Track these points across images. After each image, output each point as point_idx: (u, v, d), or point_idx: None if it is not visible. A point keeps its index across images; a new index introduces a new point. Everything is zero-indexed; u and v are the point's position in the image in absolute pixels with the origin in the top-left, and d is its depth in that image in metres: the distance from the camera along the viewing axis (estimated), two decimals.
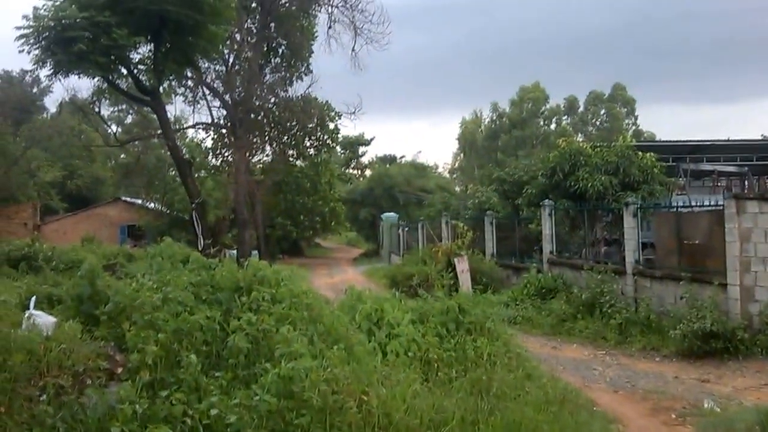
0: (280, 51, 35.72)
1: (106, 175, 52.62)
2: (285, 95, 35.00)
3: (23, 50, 19.13)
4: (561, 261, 19.19)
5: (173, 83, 32.02)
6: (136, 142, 40.05)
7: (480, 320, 9.32)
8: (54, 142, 42.89)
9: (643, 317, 14.00)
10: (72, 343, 6.23)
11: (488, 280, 20.12)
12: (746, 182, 27.79)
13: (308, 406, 5.60)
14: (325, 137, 38.07)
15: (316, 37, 34.94)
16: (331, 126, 37.66)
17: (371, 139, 71.98)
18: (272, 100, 34.57)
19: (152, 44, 22.22)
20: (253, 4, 32.55)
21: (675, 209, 15.97)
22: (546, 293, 17.80)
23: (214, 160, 39.09)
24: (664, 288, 14.41)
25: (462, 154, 78.81)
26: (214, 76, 33.44)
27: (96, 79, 24.93)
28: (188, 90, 34.60)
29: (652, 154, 19.60)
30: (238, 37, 31.26)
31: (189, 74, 30.89)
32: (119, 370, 6.30)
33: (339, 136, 41.67)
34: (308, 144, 38.06)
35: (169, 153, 27.45)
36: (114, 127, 43.78)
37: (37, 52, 19.21)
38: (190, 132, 40.46)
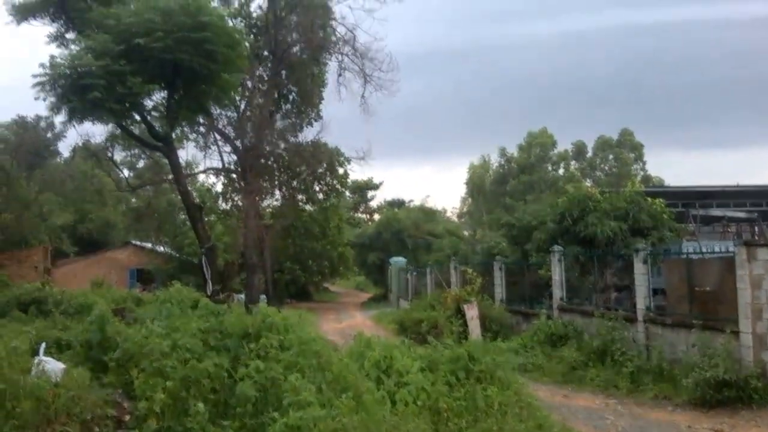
0: (291, 98, 36.25)
1: (117, 219, 52.91)
2: (295, 141, 35.40)
3: (39, 97, 19.41)
4: (571, 307, 19.06)
5: (185, 129, 32.45)
6: (148, 187, 40.44)
7: (490, 368, 9.24)
8: (67, 186, 43.29)
9: (654, 365, 13.86)
10: (80, 390, 6.23)
11: (498, 327, 20.06)
12: (756, 228, 27.67)
13: None
14: (335, 182, 38.33)
15: (327, 84, 35.53)
16: (341, 171, 37.97)
17: (380, 184, 72.52)
18: (282, 145, 34.94)
19: (166, 91, 22.53)
20: (265, 53, 33.15)
21: (685, 256, 15.90)
22: (556, 340, 17.64)
23: (224, 204, 39.35)
24: (676, 335, 14.27)
25: (470, 199, 78.98)
26: (225, 122, 33.91)
27: (110, 126, 25.26)
28: (200, 135, 35.07)
29: (661, 199, 19.61)
30: (249, 84, 31.75)
31: (201, 120, 31.31)
32: (127, 417, 6.29)
33: (348, 181, 41.95)
34: (317, 189, 38.31)
35: (179, 197, 27.67)
36: (126, 172, 44.25)
37: (52, 99, 19.44)
38: (201, 177, 40.85)
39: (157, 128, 23.65)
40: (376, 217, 69.00)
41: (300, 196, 38.88)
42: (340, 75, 32.71)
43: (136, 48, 19.01)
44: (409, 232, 50.70)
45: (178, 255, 41.16)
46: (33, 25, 23.52)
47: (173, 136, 25.13)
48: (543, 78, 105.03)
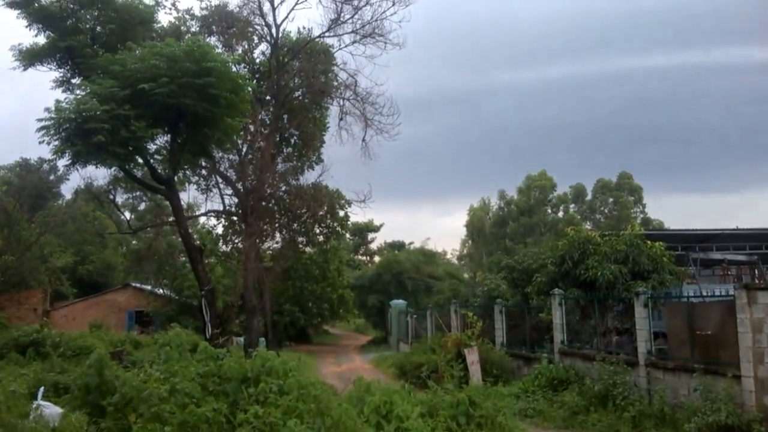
0: (293, 141, 36.61)
1: (118, 261, 52.93)
2: (296, 183, 35.62)
3: (44, 141, 19.60)
4: (572, 351, 18.96)
5: (188, 172, 32.68)
6: (148, 229, 40.54)
7: (491, 414, 9.19)
8: (68, 228, 43.40)
9: (656, 410, 13.74)
10: None
11: (499, 371, 19.92)
12: (756, 271, 27.66)
13: None
14: (335, 225, 38.42)
15: (328, 127, 35.87)
16: (341, 213, 38.09)
17: (380, 226, 72.77)
18: (283, 188, 35.15)
19: (169, 135, 22.82)
20: (268, 97, 33.59)
21: (686, 299, 15.89)
22: (558, 384, 17.51)
23: (224, 246, 39.37)
24: (678, 380, 14.18)
25: (470, 241, 79.07)
26: (227, 164, 34.16)
27: (113, 169, 25.48)
28: (202, 178, 35.29)
29: (661, 243, 19.65)
30: (252, 127, 32.06)
31: (203, 163, 31.58)
32: None
33: (348, 223, 42.06)
34: (318, 231, 38.38)
35: (180, 240, 27.73)
36: (127, 214, 44.41)
37: (56, 142, 19.65)
38: (202, 219, 40.99)
39: (159, 171, 23.87)
40: (377, 259, 69.01)
41: (300, 239, 38.93)
42: (341, 119, 33.08)
43: (140, 93, 19.34)
44: (409, 275, 50.63)
45: (177, 297, 41.03)
46: (39, 70, 23.93)
47: (175, 179, 25.32)
48: (542, 121, 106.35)
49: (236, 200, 33.72)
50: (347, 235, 57.67)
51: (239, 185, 32.92)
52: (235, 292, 35.84)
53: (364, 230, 72.02)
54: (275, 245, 39.37)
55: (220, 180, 34.31)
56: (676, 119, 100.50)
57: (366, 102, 31.85)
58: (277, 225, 37.02)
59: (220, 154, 32.99)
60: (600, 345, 18.49)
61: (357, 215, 39.87)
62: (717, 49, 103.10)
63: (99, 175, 30.58)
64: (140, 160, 23.24)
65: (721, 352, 13.60)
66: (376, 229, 73.17)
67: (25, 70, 23.63)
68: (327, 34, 31.93)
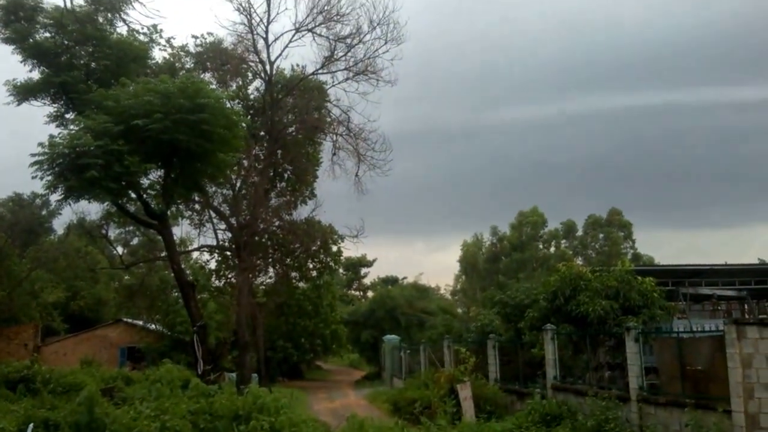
0: (286, 176, 36.87)
1: (109, 297, 52.61)
2: (289, 218, 35.73)
3: (36, 176, 19.66)
4: (565, 386, 18.91)
5: (181, 207, 32.80)
6: (141, 264, 40.45)
7: None
8: (59, 263, 43.26)
9: None
10: None
11: (492, 407, 19.82)
12: (746, 306, 27.81)
13: None
14: (328, 260, 38.45)
15: (321, 163, 36.17)
16: (334, 249, 38.15)
17: (373, 261, 72.74)
18: (277, 223, 35.26)
19: (162, 170, 22.93)
20: (262, 133, 33.90)
21: (676, 334, 15.95)
22: (551, 420, 17.40)
23: (217, 282, 39.29)
24: (669, 415, 14.17)
25: (464, 277, 79.12)
26: (220, 199, 34.33)
27: (105, 203, 25.54)
28: (195, 213, 35.39)
29: (651, 278, 19.75)
30: (245, 162, 32.32)
31: (196, 198, 31.71)
32: None
33: (341, 258, 42.07)
34: (311, 266, 38.37)
35: (173, 275, 27.72)
36: (120, 249, 44.35)
37: (49, 177, 19.71)
38: (195, 254, 40.94)
39: (152, 206, 23.96)
40: (370, 294, 68.85)
41: (293, 274, 38.92)
42: (334, 154, 33.43)
43: (134, 128, 19.51)
44: (402, 310, 50.46)
45: (169, 333, 40.75)
46: (33, 105, 24.12)
47: (168, 213, 25.40)
48: (533, 158, 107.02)
49: (229, 235, 33.81)
50: (340, 270, 57.62)
51: (233, 220, 33.05)
52: (227, 327, 35.72)
53: (357, 265, 71.98)
54: (268, 280, 39.38)
55: (213, 215, 34.45)
56: (664, 156, 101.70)
57: (359, 138, 32.26)
58: (270, 260, 37.06)
59: (214, 189, 33.20)
60: (592, 380, 18.48)
61: (350, 250, 39.85)
62: (704, 88, 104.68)
63: (92, 210, 30.70)
64: (133, 195, 23.36)
65: (711, 387, 13.61)
66: (370, 264, 73.17)
67: (19, 104, 23.85)
68: (320, 71, 32.49)
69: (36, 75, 23.66)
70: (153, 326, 43.29)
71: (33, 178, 19.69)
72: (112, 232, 40.61)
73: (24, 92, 23.53)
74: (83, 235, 39.24)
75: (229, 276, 37.00)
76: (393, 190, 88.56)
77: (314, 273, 39.12)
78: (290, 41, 31.37)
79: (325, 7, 30.60)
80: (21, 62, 23.32)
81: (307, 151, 35.75)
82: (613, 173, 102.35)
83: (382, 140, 31.80)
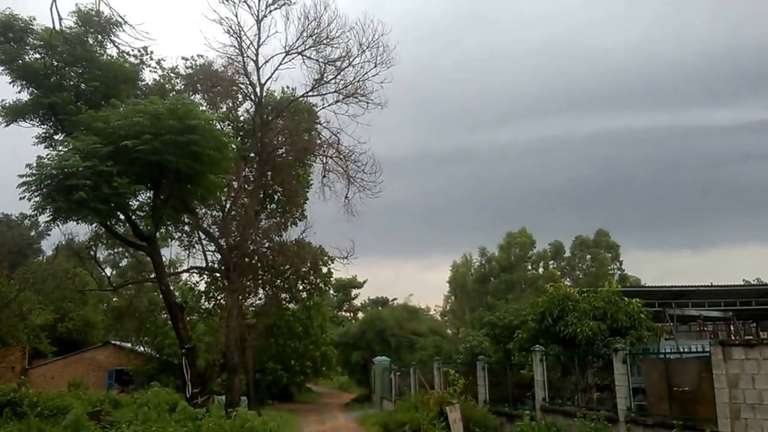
0: (276, 198, 36.89)
1: (98, 319, 52.29)
2: (279, 240, 35.71)
3: (25, 197, 19.59)
4: (554, 408, 18.93)
5: (170, 228, 32.74)
6: (129, 285, 40.24)
7: None
8: (48, 285, 43.03)
9: None
10: None
11: (481, 429, 19.83)
12: (732, 326, 28.01)
13: None
14: (318, 281, 38.38)
15: (311, 184, 36.23)
16: (324, 270, 38.11)
17: (363, 282, 72.67)
18: (267, 244, 35.22)
19: (151, 192, 22.92)
20: (252, 154, 33.96)
21: (663, 355, 16.04)
22: None
23: (206, 303, 39.11)
24: None
25: (453, 297, 79.14)
26: (210, 221, 34.28)
27: (94, 225, 25.46)
28: (184, 234, 35.32)
29: (638, 299, 19.89)
30: (235, 184, 32.33)
31: (186, 219, 31.67)
32: None
33: (332, 279, 42.00)
34: (301, 288, 38.28)
35: (161, 297, 27.60)
36: (108, 270, 44.12)
37: (38, 198, 19.65)
38: (184, 276, 40.79)
39: (141, 228, 23.92)
40: (360, 315, 68.68)
41: (283, 295, 38.81)
42: (324, 176, 33.42)
43: (123, 150, 19.51)
44: (392, 331, 50.33)
45: (158, 355, 40.51)
46: (22, 126, 24.11)
47: (157, 235, 25.36)
48: (522, 180, 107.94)
49: (219, 256, 33.73)
50: (331, 292, 57.49)
51: (222, 241, 32.98)
52: (216, 349, 35.49)
53: (347, 286, 71.89)
54: (258, 302, 39.24)
55: (202, 236, 34.38)
56: (650, 179, 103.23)
57: (348, 160, 32.33)
58: (260, 281, 36.96)
59: (204, 211, 33.17)
60: (581, 401, 18.51)
61: (340, 271, 39.77)
62: (686, 112, 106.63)
63: (80, 231, 30.53)
64: (122, 217, 23.30)
65: (698, 407, 13.68)
66: (360, 285, 73.09)
67: (7, 125, 23.83)
68: (310, 93, 32.60)
69: (25, 96, 23.69)
70: (141, 348, 43.04)
71: (21, 199, 19.61)
72: (101, 254, 40.48)
73: (13, 113, 23.51)
74: (72, 256, 39.01)
75: (219, 297, 36.86)
76: (383, 212, 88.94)
77: (304, 294, 39.04)
78: (280, 64, 31.52)
79: (315, 31, 30.81)
80: (10, 83, 23.35)
81: (297, 173, 35.81)
82: (600, 195, 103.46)
83: (372, 162, 31.93)
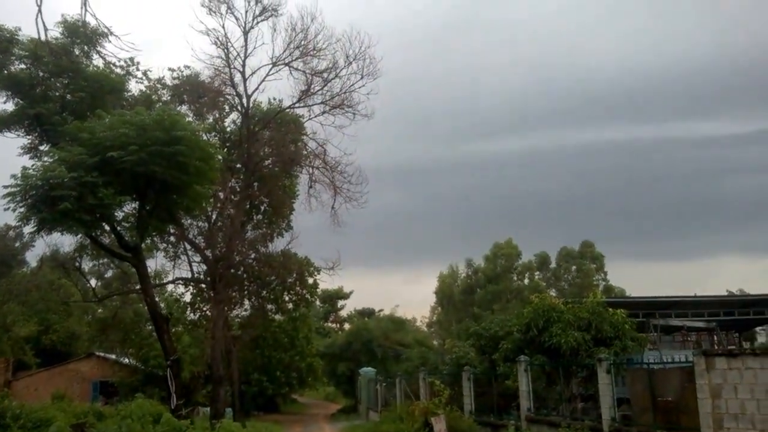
0: (262, 209, 36.87)
1: (82, 330, 51.79)
2: (265, 251, 35.63)
3: (9, 208, 19.47)
4: (539, 418, 19.02)
5: (155, 239, 32.60)
6: (114, 297, 39.96)
7: None
8: (32, 296, 42.61)
9: None
10: None
11: None
12: (715, 337, 28.24)
13: None
14: (304, 292, 38.32)
15: (298, 195, 36.23)
16: (311, 281, 38.10)
17: (350, 293, 72.59)
18: (253, 255, 35.14)
19: (137, 202, 22.85)
20: (238, 165, 33.95)
21: (647, 366, 16.16)
22: None
23: (192, 314, 38.91)
24: None
25: (439, 308, 79.16)
26: (196, 232, 34.19)
27: (79, 236, 25.33)
28: (170, 245, 35.18)
29: (622, 310, 20.05)
30: (221, 195, 32.30)
31: (171, 230, 31.56)
32: None
33: (318, 290, 41.95)
34: (287, 299, 38.20)
35: (147, 308, 27.47)
36: (93, 282, 43.81)
37: (22, 209, 19.54)
38: (170, 287, 40.57)
39: (126, 238, 23.82)
40: (347, 326, 68.54)
41: (269, 306, 38.70)
42: (310, 187, 33.46)
43: (109, 160, 19.43)
44: (378, 342, 50.27)
45: (143, 367, 40.21)
46: (7, 137, 23.98)
47: (143, 246, 25.25)
48: (508, 191, 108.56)
49: (205, 268, 33.61)
50: (317, 303, 57.36)
51: (208, 252, 32.88)
52: (202, 361, 35.31)
53: (333, 297, 71.78)
54: (244, 313, 39.11)
55: (188, 247, 34.26)
56: (635, 190, 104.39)
57: (335, 171, 32.39)
58: (246, 292, 36.84)
59: (189, 222, 33.08)
60: (566, 411, 18.61)
61: (326, 282, 39.79)
62: (671, 124, 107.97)
63: (65, 242, 30.35)
64: (107, 228, 23.20)
65: (682, 417, 13.81)
66: (346, 296, 73.01)
67: None
68: (297, 104, 32.70)
69: (10, 106, 23.60)
70: (126, 360, 42.68)
71: (5, 209, 19.49)
72: (86, 265, 40.14)
73: None
74: (56, 267, 38.71)
75: (204, 309, 36.70)
76: (370, 223, 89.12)
77: (290, 305, 38.96)
78: (267, 75, 31.62)
79: (302, 42, 30.94)
80: None
81: (284, 184, 35.80)
82: (586, 206, 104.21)
83: (358, 173, 32.01)
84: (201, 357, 35.74)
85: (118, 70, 26.59)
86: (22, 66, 23.23)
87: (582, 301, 21.03)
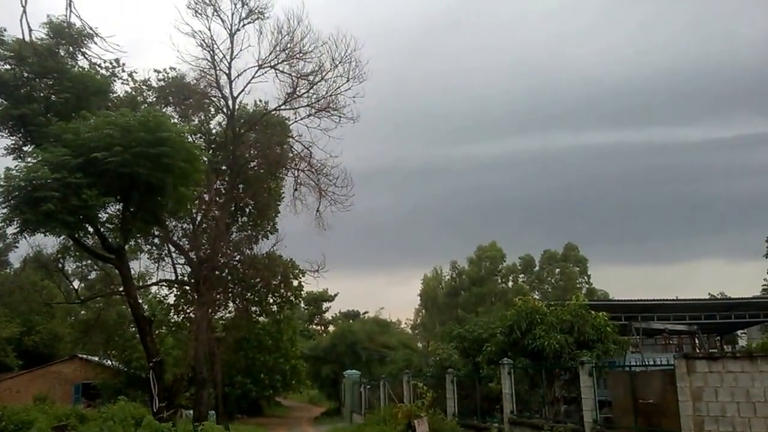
0: (248, 211, 36.75)
1: (65, 332, 51.38)
2: (250, 253, 35.53)
3: None
4: (522, 421, 19.10)
5: (139, 241, 32.43)
6: (98, 298, 39.70)
7: None
8: (15, 297, 42.28)
9: None
10: None
11: None
12: (696, 340, 28.53)
13: None
14: (289, 294, 38.25)
15: (283, 198, 36.19)
16: (295, 283, 38.03)
17: (335, 295, 72.55)
18: (237, 257, 35.03)
19: (121, 204, 22.74)
20: (223, 167, 33.85)
21: (629, 368, 16.30)
22: None
23: (175, 316, 38.72)
24: None
25: (424, 311, 79.34)
26: (180, 233, 34.05)
27: (62, 237, 25.16)
28: (154, 247, 35.01)
29: (604, 313, 20.20)
30: (206, 197, 32.16)
31: (156, 232, 31.42)
32: None
33: (302, 293, 41.86)
34: (271, 301, 38.10)
35: (130, 310, 27.32)
36: (76, 283, 43.45)
37: (5, 210, 19.42)
38: (154, 288, 40.35)
39: (110, 240, 23.69)
40: (331, 328, 68.51)
41: (254, 308, 38.59)
42: (296, 189, 33.44)
43: (93, 161, 19.33)
44: (363, 345, 50.30)
45: (126, 369, 40.00)
46: None
47: (126, 247, 25.13)
48: (493, 194, 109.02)
49: (189, 269, 33.48)
50: (301, 305, 57.24)
51: (192, 254, 32.75)
52: (185, 363, 35.17)
53: (318, 299, 71.69)
54: (228, 315, 38.96)
55: (172, 249, 34.12)
56: (618, 194, 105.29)
57: (320, 173, 32.39)
58: (230, 295, 36.71)
59: (174, 223, 32.95)
60: (548, 414, 18.72)
61: (311, 285, 39.66)
62: (654, 128, 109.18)
63: (48, 243, 30.12)
64: (90, 229, 23.05)
65: (663, 420, 13.92)
66: (331, 298, 72.96)
67: None
68: (283, 107, 32.67)
69: None
70: (109, 362, 42.46)
71: None
72: (69, 266, 39.89)
73: None
74: (39, 268, 38.44)
75: (188, 311, 36.53)
76: (355, 225, 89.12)
77: (275, 308, 38.86)
78: (253, 77, 31.57)
79: (288, 45, 30.93)
80: None
81: (269, 186, 35.75)
82: (569, 209, 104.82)
83: (343, 176, 32.03)
84: (184, 359, 35.60)
85: (104, 72, 26.44)
86: (7, 66, 23.02)
87: (565, 303, 21.17)
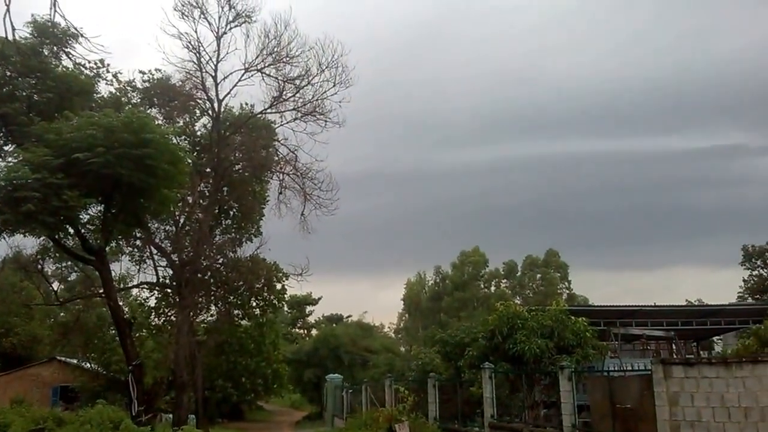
0: (232, 213, 36.59)
1: (44, 334, 50.83)
2: (234, 256, 35.38)
3: None
4: (502, 425, 19.23)
5: (121, 243, 32.21)
6: (77, 300, 39.34)
7: None
8: None
9: None
10: None
11: None
12: (673, 346, 28.84)
13: None
14: (272, 298, 38.11)
15: (267, 201, 36.06)
16: (278, 287, 37.93)
17: (318, 299, 72.33)
18: (220, 260, 34.87)
19: (102, 205, 22.60)
20: (208, 170, 33.70)
21: (607, 373, 16.46)
22: None
23: (156, 319, 38.44)
24: None
25: (407, 315, 79.41)
26: (163, 236, 33.83)
27: (42, 238, 24.96)
28: (135, 249, 34.76)
29: (584, 318, 20.39)
30: (190, 199, 32.00)
31: (138, 234, 31.22)
32: None
33: (286, 296, 41.74)
34: (254, 304, 37.94)
35: (110, 312, 27.11)
36: (56, 285, 43.02)
37: None
38: (135, 291, 40.04)
39: (91, 242, 23.54)
40: (314, 332, 68.37)
41: (236, 312, 38.40)
42: (280, 193, 33.32)
43: (75, 162, 19.21)
44: (346, 349, 50.29)
45: (105, 372, 39.65)
46: None
47: (107, 249, 24.98)
48: (476, 200, 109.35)
49: (171, 272, 33.28)
50: (285, 308, 57.11)
51: (175, 257, 32.55)
52: (165, 366, 34.91)
53: (302, 303, 71.51)
54: (210, 318, 38.72)
55: (154, 251, 33.88)
56: (599, 201, 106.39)
57: (305, 177, 32.33)
58: (212, 298, 36.51)
59: (156, 225, 32.74)
60: (528, 418, 18.84)
61: (294, 288, 39.53)
62: (636, 137, 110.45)
63: (27, 244, 29.80)
64: (71, 230, 22.90)
65: (640, 424, 14.09)
66: (315, 302, 72.77)
67: None
68: (269, 110, 32.54)
69: None
70: (88, 365, 42.04)
71: None
72: (49, 268, 39.44)
73: None
74: (18, 269, 37.99)
75: (169, 314, 36.28)
76: (340, 230, 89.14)
77: (257, 311, 38.70)
78: (239, 80, 31.43)
79: (275, 49, 30.86)
80: None
81: (254, 189, 35.61)
82: (552, 216, 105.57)
83: (328, 180, 32.00)
84: (164, 362, 35.33)
85: (88, 72, 26.29)
86: None
87: (545, 309, 21.34)
